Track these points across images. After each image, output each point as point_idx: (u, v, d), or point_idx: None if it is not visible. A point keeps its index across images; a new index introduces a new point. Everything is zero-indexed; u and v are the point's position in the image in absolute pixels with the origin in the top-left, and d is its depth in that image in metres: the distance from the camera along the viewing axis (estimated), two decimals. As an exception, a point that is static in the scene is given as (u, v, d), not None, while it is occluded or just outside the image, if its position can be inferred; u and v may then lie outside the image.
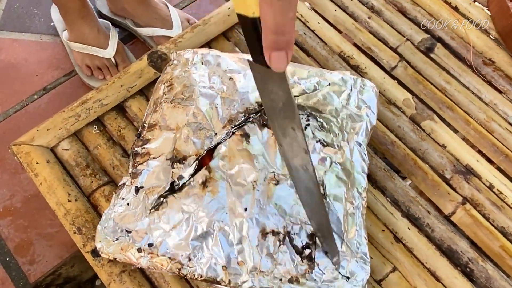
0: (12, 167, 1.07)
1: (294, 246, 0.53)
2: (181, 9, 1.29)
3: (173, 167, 0.55)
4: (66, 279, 1.04)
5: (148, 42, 1.21)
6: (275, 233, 0.53)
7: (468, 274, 0.60)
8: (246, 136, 0.56)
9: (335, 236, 0.54)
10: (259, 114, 0.59)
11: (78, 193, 0.62)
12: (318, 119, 0.59)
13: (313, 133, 0.58)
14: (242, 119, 0.58)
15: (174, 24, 1.17)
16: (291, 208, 0.54)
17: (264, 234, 0.53)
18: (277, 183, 0.55)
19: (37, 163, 0.63)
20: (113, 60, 1.13)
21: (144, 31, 1.18)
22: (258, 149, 0.56)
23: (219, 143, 0.57)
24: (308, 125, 0.59)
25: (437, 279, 0.60)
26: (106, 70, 1.13)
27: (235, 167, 0.55)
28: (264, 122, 0.58)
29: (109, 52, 1.12)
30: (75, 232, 0.59)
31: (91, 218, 0.60)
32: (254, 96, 0.60)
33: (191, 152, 0.56)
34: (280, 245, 0.52)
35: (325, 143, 0.58)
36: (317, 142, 0.58)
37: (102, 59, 1.12)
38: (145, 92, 0.70)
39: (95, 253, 0.55)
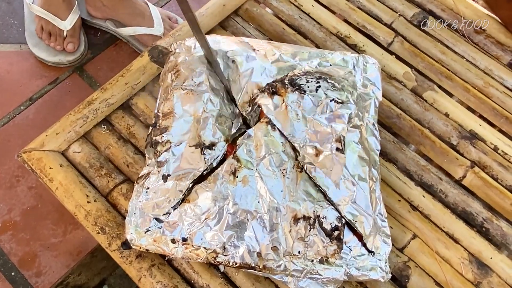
0: (6, 181, 1.04)
1: (323, 229, 0.54)
2: (161, 7, 1.28)
3: (203, 154, 0.55)
4: (74, 287, 1.03)
5: (132, 42, 1.20)
6: (306, 218, 0.54)
7: (484, 233, 0.63)
8: (271, 124, 0.57)
9: (366, 214, 0.55)
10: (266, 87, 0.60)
11: (96, 194, 0.61)
12: (329, 80, 0.60)
13: (325, 93, 0.59)
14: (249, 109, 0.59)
15: (155, 22, 1.16)
16: (316, 192, 0.55)
17: (296, 219, 0.54)
18: (302, 170, 0.56)
19: (50, 168, 0.62)
20: (65, 33, 1.13)
21: (126, 31, 1.17)
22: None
23: (244, 128, 0.57)
24: (319, 86, 0.60)
25: (456, 241, 0.62)
26: (54, 38, 1.14)
27: (263, 155, 0.55)
28: (274, 90, 0.59)
29: (65, 24, 1.12)
30: (98, 232, 0.59)
31: (113, 217, 0.60)
32: (256, 80, 0.61)
33: (218, 137, 0.56)
34: (310, 228, 0.54)
35: (340, 101, 0.59)
36: (331, 101, 0.59)
37: (55, 27, 1.13)
38: (149, 88, 0.70)
39: (126, 245, 0.54)
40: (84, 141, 0.65)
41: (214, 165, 0.55)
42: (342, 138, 0.57)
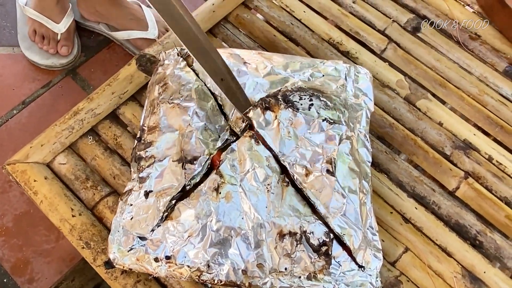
0: (-1, 186, 1.04)
1: (311, 245, 0.53)
2: (155, 9, 1.27)
3: (184, 168, 0.54)
4: (68, 294, 1.02)
5: (126, 45, 1.18)
6: (292, 234, 0.52)
7: (478, 246, 0.62)
8: (255, 137, 0.56)
9: (355, 227, 0.54)
10: (259, 102, 0.59)
11: (81, 207, 0.60)
12: (321, 98, 0.59)
13: (317, 112, 0.58)
14: (243, 125, 0.57)
15: (149, 25, 1.14)
16: (303, 207, 0.54)
17: (281, 235, 0.52)
18: (288, 184, 0.55)
19: (34, 180, 0.61)
20: (59, 36, 1.12)
21: (120, 35, 1.16)
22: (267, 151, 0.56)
23: (229, 143, 0.56)
24: (312, 104, 0.58)
25: (449, 254, 0.61)
26: (47, 41, 1.13)
27: (247, 170, 0.54)
28: (267, 106, 0.58)
29: (59, 28, 1.11)
30: (83, 247, 0.58)
31: (98, 231, 0.59)
32: (248, 94, 0.60)
33: (201, 152, 0.55)
34: (297, 244, 0.52)
35: (332, 121, 0.57)
36: (323, 121, 0.57)
37: (49, 30, 1.12)
38: (137, 97, 0.68)
39: (109, 264, 0.53)
40: (70, 152, 0.64)
41: (198, 180, 0.54)
42: (333, 160, 0.55)
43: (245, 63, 0.62)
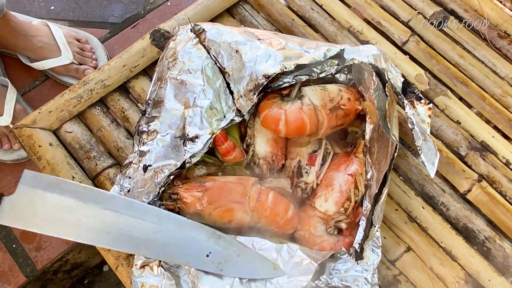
0: (16, 154, 1.05)
1: None
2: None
3: (185, 145, 0.53)
4: (74, 265, 1.03)
5: (51, 74, 1.03)
6: None
7: (485, 253, 0.59)
8: None
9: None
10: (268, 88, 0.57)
11: (82, 176, 0.60)
12: None
13: None
14: (255, 100, 0.55)
15: (61, 49, 0.97)
16: None
17: None
18: None
19: (39, 146, 0.61)
20: (11, 126, 0.87)
21: (36, 66, 1.00)
22: None
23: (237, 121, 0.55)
24: None
25: (453, 258, 0.58)
26: (6, 139, 0.91)
27: None
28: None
29: (5, 119, 0.88)
30: (80, 216, 0.58)
31: (97, 201, 0.58)
32: (261, 68, 0.57)
33: (203, 130, 0.54)
34: None
35: None
36: None
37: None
38: (148, 72, 0.68)
39: None
40: (77, 121, 0.64)
41: (196, 156, 0.53)
42: None
43: (259, 39, 0.60)
